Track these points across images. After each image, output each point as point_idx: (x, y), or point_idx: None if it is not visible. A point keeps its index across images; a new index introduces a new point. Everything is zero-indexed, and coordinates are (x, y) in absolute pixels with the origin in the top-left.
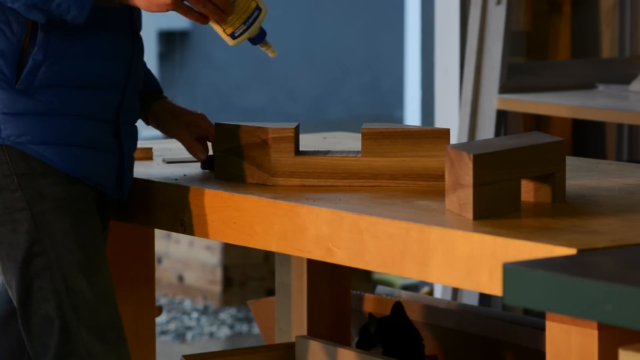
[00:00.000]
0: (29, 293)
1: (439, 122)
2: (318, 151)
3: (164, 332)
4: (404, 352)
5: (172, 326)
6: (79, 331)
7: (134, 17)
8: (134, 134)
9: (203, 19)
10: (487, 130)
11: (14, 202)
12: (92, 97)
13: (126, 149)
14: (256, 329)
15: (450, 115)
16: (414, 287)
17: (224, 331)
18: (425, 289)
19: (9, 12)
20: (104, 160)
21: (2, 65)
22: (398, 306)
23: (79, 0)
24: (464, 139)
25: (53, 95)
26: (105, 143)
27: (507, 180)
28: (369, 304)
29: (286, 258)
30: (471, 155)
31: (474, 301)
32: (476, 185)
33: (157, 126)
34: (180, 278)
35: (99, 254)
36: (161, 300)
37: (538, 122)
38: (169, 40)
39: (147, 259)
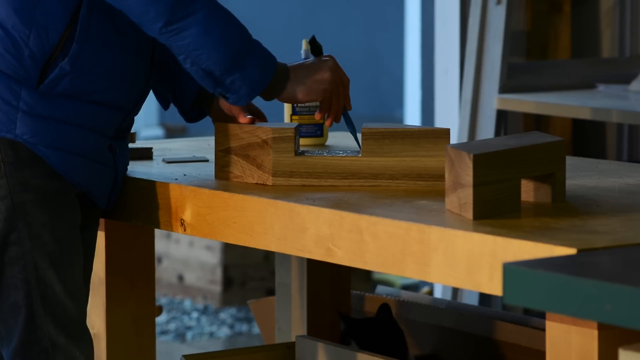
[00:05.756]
0: (1, 279)
1: (439, 122)
2: (318, 151)
3: (164, 332)
4: (382, 349)
5: (172, 326)
6: (44, 322)
7: (156, 45)
8: (125, 148)
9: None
10: (487, 130)
11: None
12: (102, 114)
13: (119, 162)
14: (256, 329)
15: (450, 115)
16: (414, 287)
17: (224, 331)
18: (425, 289)
19: (50, 19)
20: (101, 172)
21: (30, 66)
22: (385, 307)
23: (251, 84)
24: (464, 139)
25: (70, 105)
26: (104, 156)
27: (507, 180)
28: (369, 304)
29: (286, 258)
30: (471, 155)
31: (474, 301)
32: (476, 185)
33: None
34: (180, 278)
35: (73, 250)
36: (161, 300)
37: (538, 122)
38: None
39: (147, 259)
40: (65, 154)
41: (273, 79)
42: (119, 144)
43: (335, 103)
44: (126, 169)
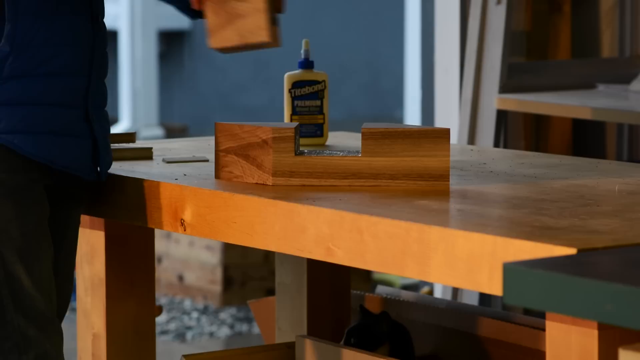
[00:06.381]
0: None
1: (439, 122)
2: (318, 151)
3: (164, 332)
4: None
5: (172, 326)
6: (15, 316)
7: (92, 2)
8: (104, 117)
9: None
10: (487, 130)
11: None
12: (57, 84)
13: (98, 132)
14: (256, 329)
15: (450, 115)
16: (414, 287)
17: (224, 331)
18: (425, 289)
19: None
20: (77, 146)
21: None
22: (384, 315)
23: None
24: (464, 139)
25: (21, 85)
26: (77, 128)
27: None
28: (369, 304)
29: (286, 258)
30: None
31: (474, 301)
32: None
33: None
34: (180, 278)
35: (41, 244)
36: (161, 300)
37: (538, 122)
38: (169, 40)
39: (147, 259)
40: (30, 135)
41: None
42: (96, 113)
43: None
44: (107, 137)
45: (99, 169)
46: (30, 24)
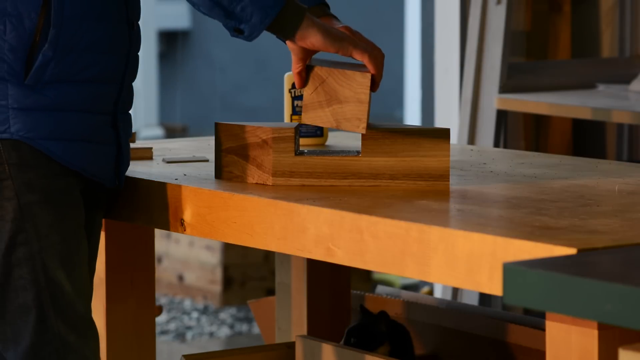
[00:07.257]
0: (8, 280)
1: (439, 122)
2: (318, 151)
3: (164, 332)
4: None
5: (172, 326)
6: (55, 323)
7: (128, 6)
8: (128, 122)
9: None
10: (487, 130)
11: (3, 190)
12: (94, 91)
13: (122, 138)
14: (256, 329)
15: (450, 115)
16: (414, 287)
17: (224, 331)
18: (425, 289)
19: (21, 7)
20: (103, 153)
21: (12, 60)
22: (382, 314)
23: (263, 10)
24: (464, 139)
25: (59, 90)
26: (104, 135)
27: None
28: (369, 304)
29: (286, 258)
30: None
31: (474, 301)
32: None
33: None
34: (180, 278)
35: (80, 248)
36: (161, 300)
37: (538, 122)
38: (169, 40)
39: (147, 259)
40: (65, 142)
41: (287, 7)
42: (122, 118)
43: (375, 57)
44: (128, 142)
45: (119, 174)
46: (74, 30)
